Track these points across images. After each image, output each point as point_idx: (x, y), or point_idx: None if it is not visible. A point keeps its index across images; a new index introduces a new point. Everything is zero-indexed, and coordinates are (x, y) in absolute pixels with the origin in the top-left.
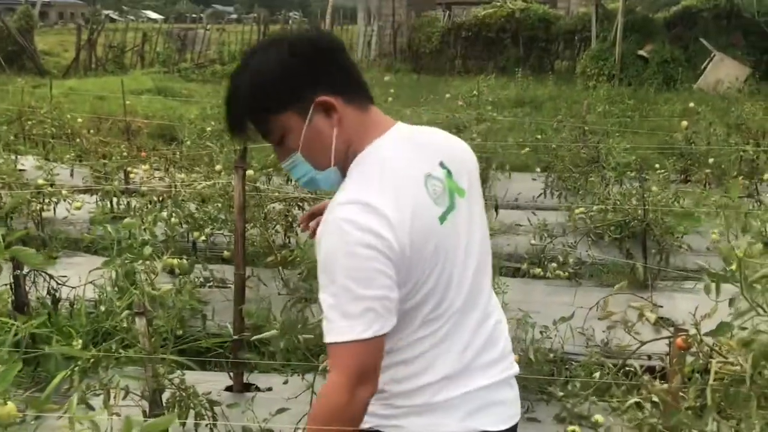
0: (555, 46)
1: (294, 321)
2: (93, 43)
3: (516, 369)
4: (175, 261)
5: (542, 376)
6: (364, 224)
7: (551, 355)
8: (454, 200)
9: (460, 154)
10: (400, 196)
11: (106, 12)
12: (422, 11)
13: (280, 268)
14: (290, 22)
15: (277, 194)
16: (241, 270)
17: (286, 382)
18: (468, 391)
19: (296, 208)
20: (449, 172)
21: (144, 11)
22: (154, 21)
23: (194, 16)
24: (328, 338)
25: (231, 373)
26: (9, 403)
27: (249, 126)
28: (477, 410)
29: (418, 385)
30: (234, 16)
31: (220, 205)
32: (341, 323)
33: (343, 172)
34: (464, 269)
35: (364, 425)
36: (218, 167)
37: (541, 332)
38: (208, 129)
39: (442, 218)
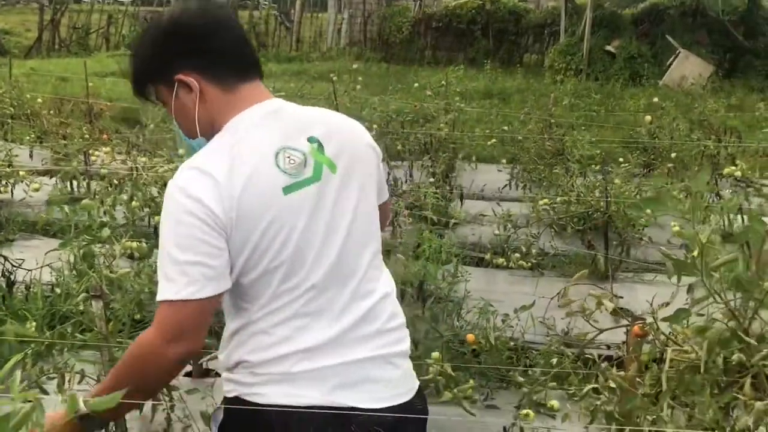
0: (524, 40)
1: None
2: (56, 24)
3: (402, 348)
4: (134, 244)
5: (502, 364)
6: (193, 192)
7: (512, 343)
8: (321, 172)
9: (347, 134)
10: (236, 165)
11: None
12: (393, 1)
13: None
14: (259, 7)
15: None
16: None
17: None
18: (332, 365)
19: None
20: (320, 146)
21: None
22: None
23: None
24: (157, 297)
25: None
26: None
27: (147, 92)
28: (345, 385)
29: (279, 354)
30: None
31: None
32: (162, 283)
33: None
34: (324, 245)
35: (229, 394)
36: (181, 151)
37: (502, 321)
38: None
39: (289, 189)
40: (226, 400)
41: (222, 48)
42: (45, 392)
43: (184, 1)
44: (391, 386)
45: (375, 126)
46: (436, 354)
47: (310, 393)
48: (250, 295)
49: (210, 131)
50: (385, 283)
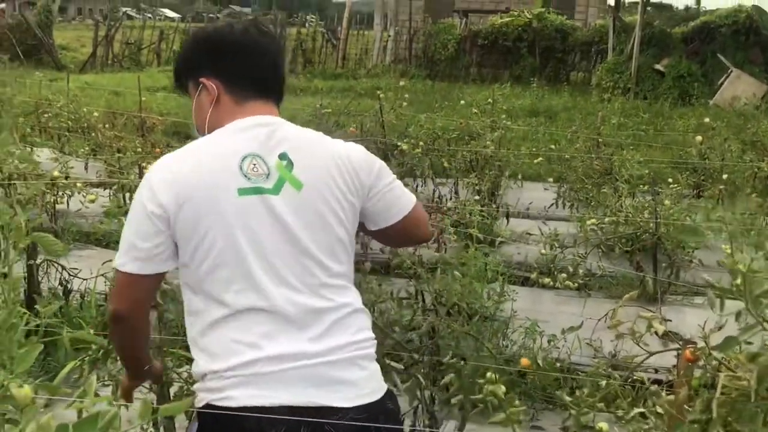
0: (571, 57)
1: None
2: (110, 40)
3: (368, 351)
4: None
5: (548, 385)
6: (153, 181)
7: (558, 364)
8: (281, 187)
9: (330, 162)
10: (202, 160)
11: (124, 9)
12: (439, 18)
13: None
14: (306, 24)
15: None
16: None
17: None
18: (299, 366)
19: None
20: (290, 163)
21: (162, 9)
22: (171, 19)
23: (211, 15)
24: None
25: None
26: (25, 386)
27: (183, 85)
28: (314, 385)
29: (246, 360)
30: (251, 17)
31: None
32: (117, 259)
33: None
34: (276, 256)
35: (199, 403)
36: None
37: (549, 341)
38: None
39: (243, 191)
40: (198, 411)
41: (249, 68)
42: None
43: (235, 19)
44: (359, 386)
45: (421, 143)
46: (490, 375)
47: (279, 393)
48: (205, 292)
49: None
50: (354, 299)
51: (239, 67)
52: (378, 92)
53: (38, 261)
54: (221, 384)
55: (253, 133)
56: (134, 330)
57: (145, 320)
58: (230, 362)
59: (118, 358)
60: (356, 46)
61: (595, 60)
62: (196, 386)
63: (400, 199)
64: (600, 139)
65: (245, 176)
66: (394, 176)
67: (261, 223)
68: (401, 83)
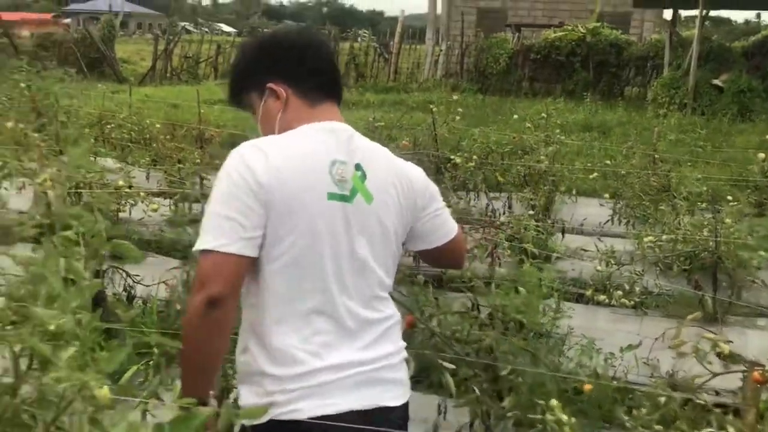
0: (626, 72)
1: None
2: (169, 53)
3: (404, 355)
4: None
5: (605, 403)
6: (247, 158)
7: (615, 383)
8: (354, 197)
9: (401, 176)
10: (292, 154)
11: (182, 24)
12: (491, 32)
13: None
14: (359, 39)
15: None
16: None
17: None
18: (355, 373)
19: None
20: (363, 175)
21: (218, 24)
22: (227, 34)
23: (266, 30)
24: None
25: None
26: (104, 386)
27: (241, 98)
28: (369, 388)
29: (309, 368)
30: None
31: None
32: (200, 236)
33: None
34: (343, 265)
35: (262, 420)
36: None
37: (605, 359)
38: None
39: (332, 196)
40: (262, 426)
41: (312, 67)
42: (162, 402)
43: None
44: (403, 386)
45: (475, 157)
46: (554, 402)
47: (341, 401)
48: (274, 287)
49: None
50: (395, 309)
51: (306, 69)
52: (431, 106)
53: (103, 267)
54: (286, 397)
55: (338, 137)
56: (227, 323)
57: (235, 315)
58: (294, 370)
59: (187, 369)
60: (408, 60)
61: (651, 75)
62: (248, 389)
63: (445, 224)
64: (656, 155)
65: (334, 182)
66: (444, 203)
67: (339, 229)
68: (454, 97)
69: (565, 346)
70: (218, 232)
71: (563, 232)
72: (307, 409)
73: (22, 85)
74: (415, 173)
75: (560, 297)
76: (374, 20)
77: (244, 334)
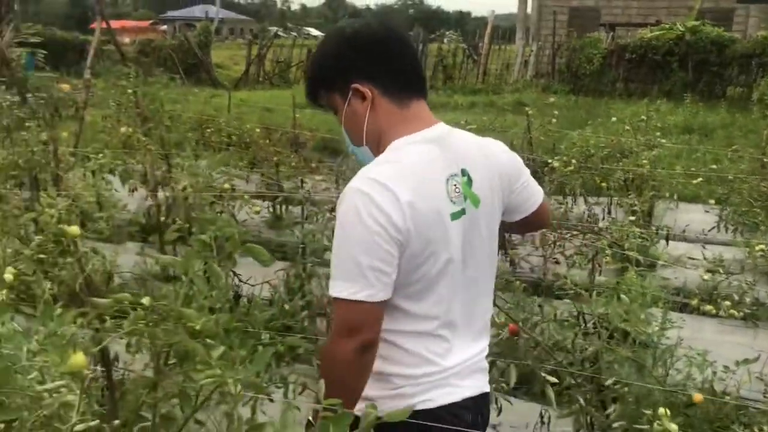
0: (728, 71)
1: None
2: (262, 58)
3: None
4: None
5: (716, 418)
6: (378, 201)
7: (726, 397)
8: (466, 206)
9: (490, 168)
10: (417, 185)
11: (273, 28)
12: (584, 32)
13: None
14: (446, 41)
15: None
16: None
17: None
18: (466, 358)
19: None
20: (469, 180)
21: (306, 28)
22: (315, 38)
23: (346, 25)
24: (330, 292)
25: None
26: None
27: (320, 97)
28: (477, 374)
29: (436, 368)
30: None
31: None
32: (339, 282)
33: (376, 154)
34: (463, 275)
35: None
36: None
37: (714, 372)
38: None
39: (454, 216)
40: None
41: (399, 65)
42: (271, 400)
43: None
44: (488, 373)
45: (573, 161)
46: (663, 411)
47: (460, 389)
48: (412, 309)
49: (376, 140)
50: (491, 304)
51: (393, 67)
52: (526, 109)
53: None
54: (415, 390)
55: (441, 146)
56: (373, 362)
57: None
58: (423, 370)
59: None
60: (497, 62)
61: (756, 74)
62: (378, 385)
63: (535, 192)
64: (766, 159)
65: (451, 199)
66: (527, 171)
67: (457, 243)
68: (551, 100)
69: (673, 357)
70: (365, 282)
71: (667, 238)
72: (436, 398)
73: (129, 91)
74: (500, 150)
75: (666, 306)
76: (461, 21)
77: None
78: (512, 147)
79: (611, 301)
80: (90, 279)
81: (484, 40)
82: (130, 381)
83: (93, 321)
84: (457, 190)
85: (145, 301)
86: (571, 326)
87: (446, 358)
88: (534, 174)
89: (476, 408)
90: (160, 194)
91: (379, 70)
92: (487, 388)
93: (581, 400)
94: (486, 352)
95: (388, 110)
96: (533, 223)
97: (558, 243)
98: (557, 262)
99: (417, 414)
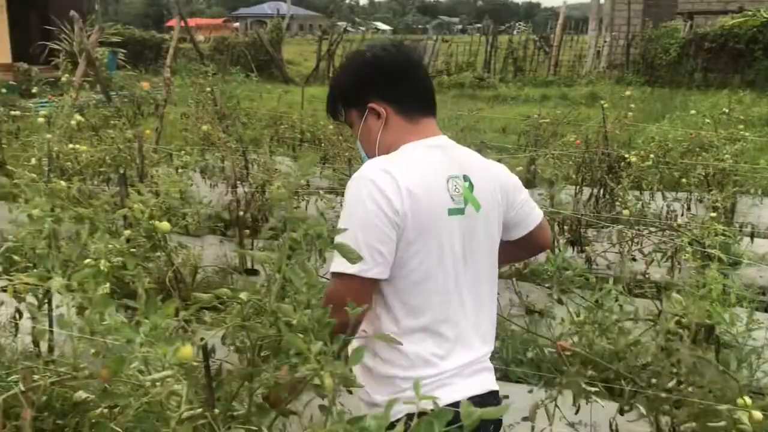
0: None
1: (520, 333)
2: (332, 54)
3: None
4: None
5: None
6: (380, 185)
7: None
8: (465, 209)
9: (491, 181)
10: (415, 174)
11: (342, 24)
12: (660, 21)
13: (514, 279)
14: (515, 32)
15: None
16: None
17: (530, 391)
18: (472, 360)
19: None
20: (471, 185)
21: (375, 23)
22: (383, 32)
23: (420, 27)
24: (331, 268)
25: None
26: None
27: (338, 112)
28: (484, 373)
29: (438, 370)
30: (459, 26)
31: None
32: (337, 259)
33: None
34: (463, 273)
35: (400, 414)
36: None
37: None
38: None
39: (451, 212)
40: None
41: (413, 87)
42: (350, 392)
43: (387, 46)
44: (494, 372)
45: (651, 155)
46: (742, 401)
47: (466, 388)
48: (406, 301)
49: (386, 151)
50: (494, 306)
51: (406, 89)
52: (601, 102)
53: None
54: (424, 390)
55: (445, 152)
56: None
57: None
58: (427, 371)
59: None
60: (569, 53)
61: None
62: (382, 389)
63: (533, 210)
64: None
65: (451, 197)
66: (526, 191)
67: (457, 242)
68: (627, 93)
69: (760, 359)
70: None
71: (752, 236)
72: (442, 397)
73: (208, 89)
74: (501, 170)
75: (751, 306)
76: (530, 12)
77: (370, 341)
78: (587, 141)
79: (693, 299)
80: (179, 272)
81: (555, 31)
82: (226, 372)
83: (193, 313)
84: (457, 189)
85: (243, 296)
86: (650, 326)
87: (447, 359)
88: (609, 169)
89: (483, 405)
90: (240, 190)
91: (395, 92)
92: (494, 386)
93: (657, 402)
94: (491, 353)
95: (400, 126)
96: (535, 243)
97: (636, 239)
98: (634, 259)
99: (422, 414)
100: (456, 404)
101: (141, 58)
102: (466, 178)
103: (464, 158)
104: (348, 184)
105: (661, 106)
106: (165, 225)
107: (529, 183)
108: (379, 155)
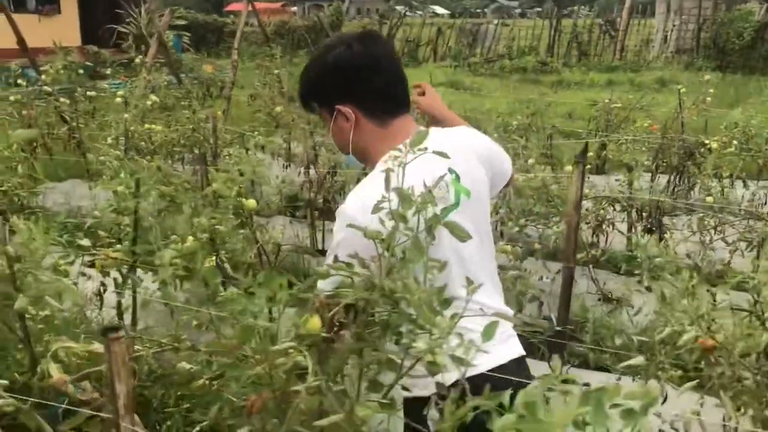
0: None
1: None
2: (392, 37)
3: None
4: (509, 248)
5: None
6: (359, 221)
7: None
8: (459, 201)
9: (471, 151)
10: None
11: (398, 8)
12: (733, 4)
13: (590, 266)
14: (576, 16)
15: (586, 192)
16: (571, 263)
17: (619, 379)
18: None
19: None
20: (457, 176)
21: (432, 6)
22: (440, 15)
23: (478, 11)
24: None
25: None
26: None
27: (311, 109)
28: (512, 339)
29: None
30: (518, 10)
31: (534, 197)
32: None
33: (363, 162)
34: (474, 265)
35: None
36: (531, 161)
37: None
38: (514, 123)
39: (448, 213)
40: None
41: (379, 88)
42: None
43: (356, 39)
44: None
45: (735, 142)
46: None
47: (504, 352)
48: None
49: (361, 153)
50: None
51: (374, 89)
52: (678, 87)
53: None
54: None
55: (427, 159)
56: None
57: None
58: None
59: None
60: (635, 37)
61: None
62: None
63: (503, 155)
64: None
65: (444, 201)
66: (490, 140)
67: (473, 227)
68: (706, 78)
69: None
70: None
71: None
72: (483, 364)
73: (276, 71)
74: (469, 138)
75: None
76: None
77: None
78: (664, 128)
79: None
80: (263, 250)
81: (622, 15)
82: (337, 347)
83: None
84: (444, 189)
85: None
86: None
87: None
88: (690, 155)
89: (519, 371)
90: (312, 172)
91: (360, 95)
92: (523, 351)
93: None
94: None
95: (371, 130)
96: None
97: (718, 227)
98: (712, 249)
99: (469, 380)
100: (496, 369)
101: (203, 41)
102: (450, 170)
103: (443, 147)
104: (337, 212)
105: (734, 92)
106: (251, 202)
107: (598, 168)
108: (353, 154)
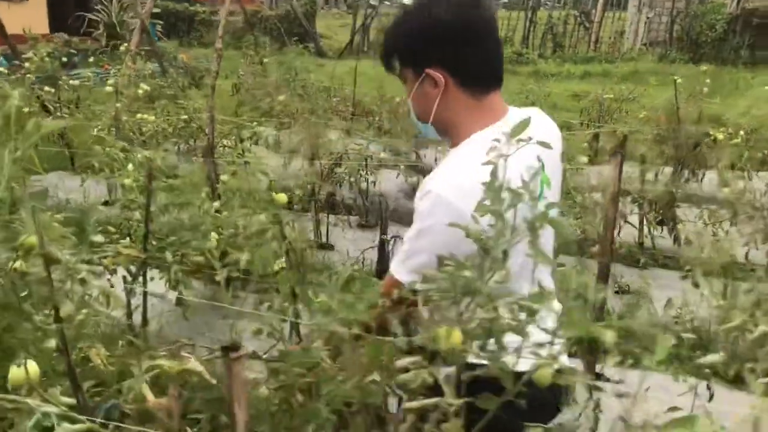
0: None
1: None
2: (366, 28)
3: None
4: None
5: None
6: (455, 205)
7: None
8: (543, 191)
9: (557, 141)
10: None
11: None
12: None
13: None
14: (551, 7)
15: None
16: (605, 258)
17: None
18: None
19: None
20: (542, 165)
21: None
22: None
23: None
24: (390, 267)
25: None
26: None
27: (393, 66)
28: None
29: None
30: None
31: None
32: (398, 265)
33: (443, 135)
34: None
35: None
36: None
37: None
38: None
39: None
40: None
41: (478, 56)
42: None
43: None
44: None
45: (742, 132)
46: None
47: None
48: None
49: (444, 125)
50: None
51: (472, 58)
52: (674, 77)
53: (388, 237)
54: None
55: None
56: None
57: None
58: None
59: None
60: (609, 29)
61: None
62: None
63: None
64: None
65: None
66: None
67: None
68: (702, 68)
69: None
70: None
71: None
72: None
73: (266, 60)
74: (552, 125)
75: None
76: None
77: None
78: (665, 119)
79: None
80: (290, 245)
81: (597, 7)
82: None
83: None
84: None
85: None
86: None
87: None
88: (694, 146)
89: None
90: (316, 164)
91: (456, 61)
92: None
93: None
94: None
95: (462, 101)
96: None
97: (733, 220)
98: (718, 241)
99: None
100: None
101: (174, 30)
102: (539, 158)
103: (535, 134)
104: (419, 192)
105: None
106: (282, 197)
107: (592, 159)
108: (434, 125)
